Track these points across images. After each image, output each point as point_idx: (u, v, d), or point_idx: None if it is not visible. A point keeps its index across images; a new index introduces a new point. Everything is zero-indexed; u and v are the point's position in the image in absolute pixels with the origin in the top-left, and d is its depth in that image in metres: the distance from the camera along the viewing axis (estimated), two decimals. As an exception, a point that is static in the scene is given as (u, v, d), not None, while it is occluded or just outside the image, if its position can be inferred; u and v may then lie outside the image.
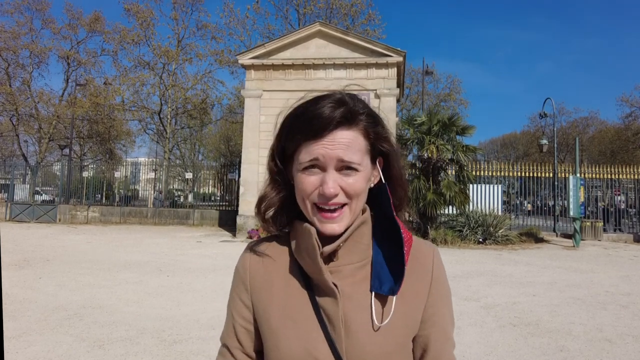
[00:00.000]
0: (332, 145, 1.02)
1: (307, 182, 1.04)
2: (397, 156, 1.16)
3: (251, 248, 1.23)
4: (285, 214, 1.18)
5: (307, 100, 1.09)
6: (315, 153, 1.02)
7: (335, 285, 1.06)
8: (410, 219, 1.25)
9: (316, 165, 1.03)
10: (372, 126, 1.09)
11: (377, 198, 1.13)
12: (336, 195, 1.02)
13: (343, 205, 1.05)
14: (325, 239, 1.07)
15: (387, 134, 1.13)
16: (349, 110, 1.04)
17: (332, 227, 1.05)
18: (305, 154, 1.04)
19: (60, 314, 7.04)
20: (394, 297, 1.07)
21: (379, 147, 1.11)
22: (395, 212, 1.12)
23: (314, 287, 1.10)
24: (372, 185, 1.13)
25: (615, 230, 22.80)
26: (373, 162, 1.12)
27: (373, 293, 1.08)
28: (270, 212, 1.17)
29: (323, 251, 1.06)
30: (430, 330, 1.11)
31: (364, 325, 1.06)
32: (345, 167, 1.03)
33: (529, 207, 28.26)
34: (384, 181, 1.12)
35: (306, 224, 1.08)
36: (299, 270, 1.12)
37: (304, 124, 1.04)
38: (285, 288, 1.13)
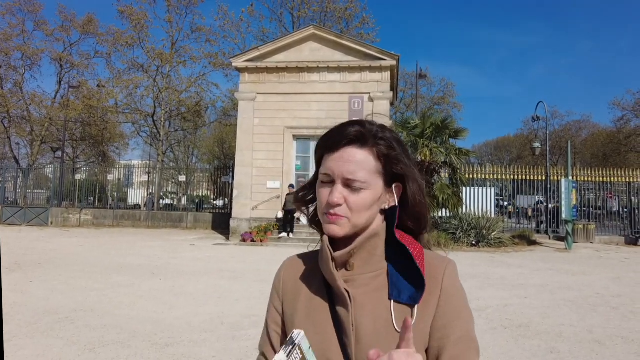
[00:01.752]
0: (342, 161, 1.12)
1: (322, 193, 1.15)
2: (415, 181, 1.19)
3: (287, 260, 1.35)
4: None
5: (340, 123, 1.20)
6: (329, 167, 1.14)
7: (348, 293, 1.13)
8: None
9: (329, 179, 1.14)
10: (387, 149, 1.15)
11: (390, 219, 1.19)
12: (339, 205, 1.12)
13: (343, 216, 1.13)
14: (341, 248, 1.16)
15: (403, 159, 1.17)
16: (363, 131, 1.14)
17: (333, 228, 1.13)
18: (323, 167, 1.16)
19: (51, 318, 7.00)
20: (416, 306, 1.11)
21: (392, 170, 1.17)
22: (416, 235, 1.22)
23: (333, 295, 1.17)
24: (385, 207, 1.19)
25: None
26: (388, 185, 1.18)
27: (392, 301, 1.13)
28: (312, 207, 1.29)
29: (335, 257, 1.14)
30: (443, 342, 1.10)
31: (375, 331, 1.11)
32: (350, 182, 1.11)
33: (529, 211, 28.29)
34: (396, 204, 1.19)
35: (323, 235, 1.18)
36: (322, 280, 1.21)
37: (326, 139, 1.17)
38: (310, 295, 1.22)
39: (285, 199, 19.13)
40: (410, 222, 1.21)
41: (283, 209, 19.37)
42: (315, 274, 1.24)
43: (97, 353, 5.52)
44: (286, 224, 19.32)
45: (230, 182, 25.22)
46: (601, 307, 8.34)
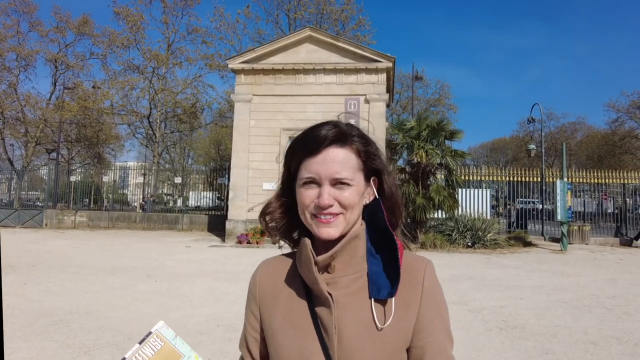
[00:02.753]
0: (327, 162, 1.14)
1: (306, 195, 1.16)
2: (390, 175, 1.26)
3: (263, 263, 1.37)
4: (295, 229, 1.31)
5: (309, 127, 1.22)
6: (312, 170, 1.15)
7: (330, 295, 1.14)
8: (407, 220, 1.32)
9: (314, 180, 1.15)
10: (364, 146, 1.20)
11: (371, 213, 1.23)
12: (331, 206, 1.14)
13: (338, 214, 1.15)
14: (321, 250, 1.18)
15: (378, 154, 1.23)
16: (341, 131, 1.18)
17: (328, 231, 1.15)
18: (304, 171, 1.16)
19: (46, 320, 6.98)
20: (393, 299, 1.14)
21: (371, 166, 1.22)
22: (392, 228, 1.20)
23: (313, 297, 1.19)
24: (367, 202, 1.23)
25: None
26: (367, 180, 1.22)
27: (373, 299, 1.15)
28: (273, 224, 1.30)
29: (317, 261, 1.16)
30: (424, 342, 1.14)
31: (357, 333, 1.12)
32: (338, 182, 1.14)
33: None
34: (376, 196, 1.23)
35: (304, 238, 1.19)
36: (301, 283, 1.22)
37: (304, 144, 1.18)
38: (288, 298, 1.23)
39: None
40: (388, 213, 1.22)
41: None
42: (294, 277, 1.25)
43: (92, 356, 5.51)
44: None
45: (226, 183, 25.18)
46: (596, 308, 8.37)
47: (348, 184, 1.15)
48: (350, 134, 1.19)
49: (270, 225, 1.30)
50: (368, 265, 1.19)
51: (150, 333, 1.04)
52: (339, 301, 1.15)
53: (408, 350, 1.16)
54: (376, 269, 1.18)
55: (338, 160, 1.15)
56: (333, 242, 1.17)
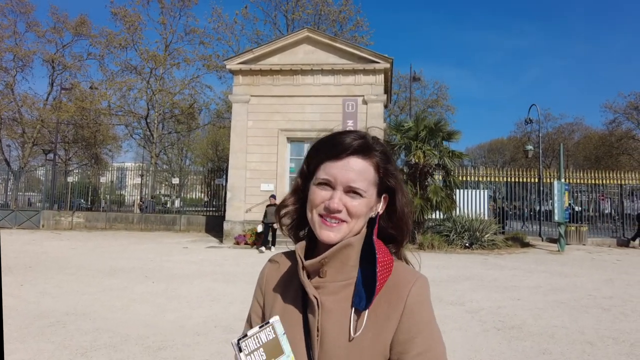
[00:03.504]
0: (345, 169, 1.19)
1: (318, 194, 1.20)
2: (404, 195, 1.29)
3: (271, 259, 1.43)
4: (302, 227, 1.35)
5: (336, 132, 1.27)
6: (331, 173, 1.19)
7: (317, 299, 1.19)
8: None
9: (329, 183, 1.19)
10: (384, 162, 1.25)
11: (370, 226, 1.26)
12: (339, 212, 1.18)
13: (344, 221, 1.19)
14: (321, 252, 1.21)
15: (396, 173, 1.28)
16: (366, 143, 1.23)
17: (329, 234, 1.19)
18: (323, 172, 1.21)
19: (43, 322, 6.95)
20: (366, 312, 1.16)
21: (386, 183, 1.26)
22: (398, 247, 1.32)
23: (308, 300, 1.22)
24: (373, 215, 1.26)
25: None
26: (379, 195, 1.26)
27: (353, 309, 1.18)
28: (287, 220, 1.35)
29: (305, 265, 1.20)
30: (401, 357, 1.15)
31: (338, 338, 1.16)
32: (352, 190, 1.18)
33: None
34: (379, 212, 1.27)
35: (299, 242, 1.26)
36: (300, 284, 1.24)
37: (328, 147, 1.23)
38: (286, 297, 1.29)
39: (266, 210, 17.49)
40: (394, 231, 1.30)
41: (263, 221, 17.63)
42: (294, 278, 1.28)
43: (88, 357, 5.49)
44: (267, 237, 17.36)
45: (224, 184, 25.16)
46: (593, 309, 8.38)
47: (360, 195, 1.19)
48: (374, 147, 1.24)
49: (283, 220, 1.35)
50: (358, 275, 1.21)
51: (268, 322, 1.13)
52: (325, 305, 1.19)
53: None
54: (362, 277, 1.20)
55: (356, 170, 1.19)
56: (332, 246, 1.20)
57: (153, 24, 44.16)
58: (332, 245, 1.19)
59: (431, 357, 1.15)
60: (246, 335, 1.12)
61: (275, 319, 1.15)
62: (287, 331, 1.17)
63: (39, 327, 6.66)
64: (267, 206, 17.48)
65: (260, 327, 1.13)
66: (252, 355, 1.09)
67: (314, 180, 1.23)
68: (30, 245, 17.43)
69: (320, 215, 1.20)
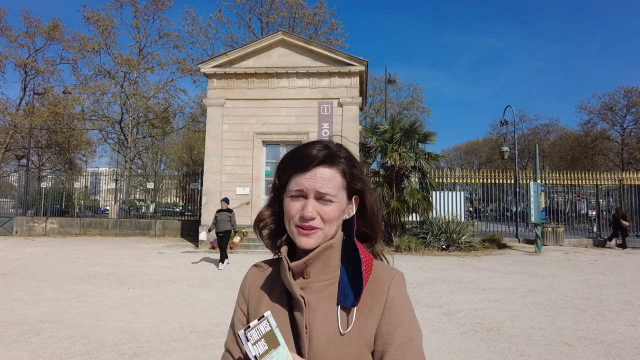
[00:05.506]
0: (314, 179, 1.26)
1: (293, 206, 1.28)
2: (371, 194, 1.38)
3: (254, 266, 1.49)
4: (280, 236, 1.42)
5: (302, 144, 1.35)
6: (301, 184, 1.27)
7: (303, 298, 1.26)
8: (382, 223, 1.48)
9: (300, 194, 1.28)
10: (349, 168, 1.33)
11: (348, 227, 1.35)
12: (313, 219, 1.26)
13: (318, 228, 1.27)
14: (301, 257, 1.29)
15: (362, 176, 1.36)
16: (330, 152, 1.31)
17: (307, 241, 1.27)
18: (294, 184, 1.29)
19: (16, 330, 6.85)
20: (354, 309, 1.24)
21: (354, 186, 1.34)
22: (372, 243, 1.41)
23: (292, 301, 1.29)
24: (347, 217, 1.36)
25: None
26: (349, 198, 1.35)
27: (339, 307, 1.26)
28: (266, 231, 1.42)
29: (291, 267, 1.28)
30: (384, 347, 1.22)
31: (325, 334, 1.23)
32: (322, 197, 1.26)
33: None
34: (354, 213, 1.36)
35: (283, 246, 1.34)
36: (283, 288, 1.33)
37: (295, 160, 1.31)
38: (271, 300, 1.35)
39: (216, 216, 14.33)
40: (367, 229, 1.39)
41: (211, 229, 14.60)
42: (277, 282, 1.36)
43: (61, 365, 5.39)
44: (225, 249, 14.24)
45: (199, 188, 24.94)
46: (570, 310, 8.42)
47: (331, 200, 1.27)
48: (339, 155, 1.32)
49: (262, 232, 1.42)
50: (340, 274, 1.30)
51: (263, 317, 1.17)
52: (311, 304, 1.27)
53: (373, 354, 1.24)
54: (346, 278, 1.28)
55: (325, 178, 1.27)
56: (311, 251, 1.27)
57: (126, 27, 43.96)
58: (310, 250, 1.27)
59: (413, 346, 1.23)
60: (249, 326, 1.16)
61: (268, 313, 1.19)
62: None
63: (12, 335, 6.56)
64: (218, 212, 14.46)
65: (258, 320, 1.17)
66: (257, 344, 1.14)
67: (287, 193, 1.31)
68: (3, 252, 17.10)
69: (297, 225, 1.27)
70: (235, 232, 14.78)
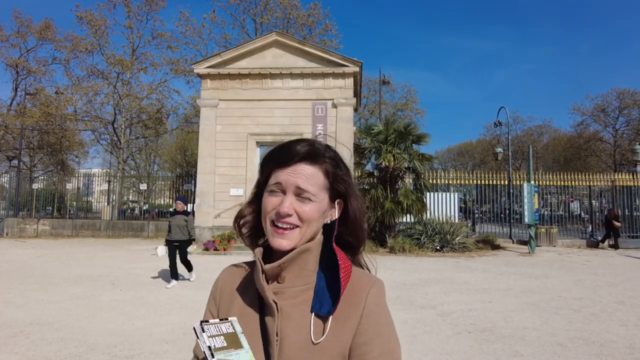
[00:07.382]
0: (294, 174, 1.21)
1: (269, 201, 1.22)
2: (356, 199, 1.30)
3: (226, 268, 1.42)
4: (260, 236, 1.34)
5: (287, 141, 1.29)
6: (280, 178, 1.21)
7: (276, 303, 1.19)
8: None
9: (279, 188, 1.21)
10: (333, 168, 1.26)
11: (328, 232, 1.28)
12: (290, 216, 1.19)
13: (295, 227, 1.20)
14: (276, 259, 1.22)
15: (347, 178, 1.29)
16: (314, 150, 1.25)
17: (281, 242, 1.20)
18: (273, 179, 1.23)
19: (5, 332, 6.79)
20: (330, 318, 1.17)
21: (337, 188, 1.27)
22: (355, 252, 1.34)
23: (264, 306, 1.23)
24: (328, 221, 1.28)
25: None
26: (332, 201, 1.28)
27: (313, 314, 1.19)
28: (245, 230, 1.35)
29: (265, 270, 1.21)
30: (363, 358, 1.16)
31: (297, 342, 1.16)
32: (301, 194, 1.20)
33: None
34: (336, 217, 1.29)
35: (257, 248, 1.26)
36: (256, 291, 1.25)
37: (277, 155, 1.26)
38: (242, 305, 1.28)
39: (169, 222, 11.87)
40: (350, 237, 1.32)
41: (167, 238, 11.66)
42: (250, 285, 1.29)
43: (51, 368, 5.35)
44: (174, 263, 11.46)
45: (193, 190, 24.87)
46: (563, 310, 8.44)
47: (310, 199, 1.20)
48: (323, 154, 1.26)
49: (242, 230, 1.35)
50: (317, 280, 1.23)
51: (227, 319, 1.16)
52: (284, 310, 1.20)
53: None
54: (323, 284, 1.22)
55: (305, 174, 1.21)
56: (287, 253, 1.20)
57: (120, 28, 43.61)
58: (287, 252, 1.20)
59: (393, 358, 1.17)
60: (208, 321, 1.14)
61: (233, 318, 1.17)
62: (245, 336, 1.16)
63: (2, 338, 6.51)
64: (172, 215, 12.16)
65: (220, 320, 1.15)
66: (214, 338, 1.10)
67: (266, 188, 1.25)
68: (-7, 254, 16.93)
69: (273, 222, 1.21)
70: (193, 239, 11.70)
